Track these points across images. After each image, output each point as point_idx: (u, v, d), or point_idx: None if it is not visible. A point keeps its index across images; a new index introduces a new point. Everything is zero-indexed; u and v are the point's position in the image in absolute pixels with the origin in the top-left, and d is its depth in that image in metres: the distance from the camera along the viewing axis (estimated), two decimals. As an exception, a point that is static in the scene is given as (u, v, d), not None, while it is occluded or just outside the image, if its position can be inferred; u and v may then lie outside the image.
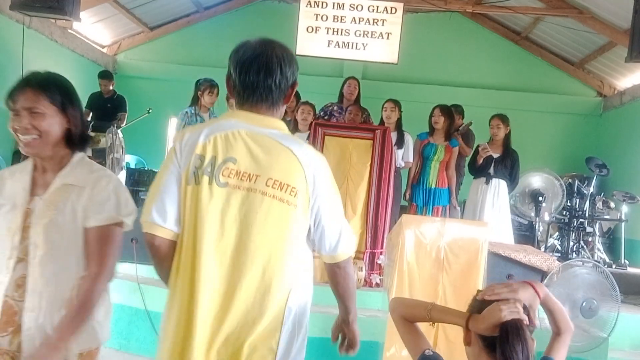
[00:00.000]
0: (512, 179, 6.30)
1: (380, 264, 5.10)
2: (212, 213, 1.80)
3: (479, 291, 1.77)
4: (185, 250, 1.84)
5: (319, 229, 1.90)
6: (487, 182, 6.20)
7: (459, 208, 6.59)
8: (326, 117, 6.56)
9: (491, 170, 6.21)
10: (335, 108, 6.59)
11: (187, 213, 1.84)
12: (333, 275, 2.04)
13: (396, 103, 6.17)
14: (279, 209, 1.82)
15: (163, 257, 1.89)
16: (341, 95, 6.72)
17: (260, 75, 1.87)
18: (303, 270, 1.94)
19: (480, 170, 6.25)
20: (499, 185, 6.23)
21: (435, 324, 3.67)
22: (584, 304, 3.91)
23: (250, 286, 1.81)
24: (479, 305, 1.71)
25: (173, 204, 1.86)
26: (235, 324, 1.81)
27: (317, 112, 6.73)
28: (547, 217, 7.37)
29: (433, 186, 6.16)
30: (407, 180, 6.35)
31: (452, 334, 3.58)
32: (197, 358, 1.77)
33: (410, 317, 1.90)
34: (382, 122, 6.22)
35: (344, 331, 2.28)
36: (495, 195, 6.19)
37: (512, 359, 1.57)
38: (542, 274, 4.82)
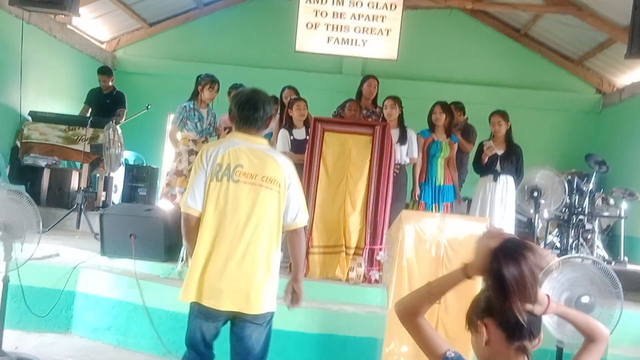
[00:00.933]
0: (518, 173, 6.29)
1: (379, 260, 5.09)
2: (231, 199, 2.91)
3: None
4: (209, 221, 2.92)
5: (287, 206, 3.01)
6: (495, 180, 6.18)
7: (463, 203, 6.59)
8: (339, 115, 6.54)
9: (498, 168, 6.19)
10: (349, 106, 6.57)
11: (211, 200, 2.92)
12: (291, 239, 3.11)
13: (396, 99, 6.14)
14: (270, 195, 2.96)
15: (192, 227, 2.97)
16: (360, 94, 6.69)
17: (251, 111, 3.03)
18: (280, 233, 3.03)
19: (486, 168, 6.24)
20: (507, 182, 6.22)
21: (436, 320, 3.67)
22: (582, 300, 3.89)
23: (256, 240, 2.91)
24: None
25: (200, 195, 2.94)
26: (239, 259, 2.89)
27: (336, 109, 6.70)
28: (546, 214, 7.36)
29: (441, 183, 6.16)
30: (412, 178, 6.30)
31: (452, 330, 3.57)
32: (215, 277, 2.87)
33: (418, 307, 1.87)
34: (383, 119, 6.20)
35: (292, 287, 3.11)
36: (504, 192, 6.18)
37: (512, 278, 1.56)
38: (542, 271, 4.82)
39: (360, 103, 6.56)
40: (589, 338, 1.82)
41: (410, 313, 1.87)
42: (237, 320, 2.95)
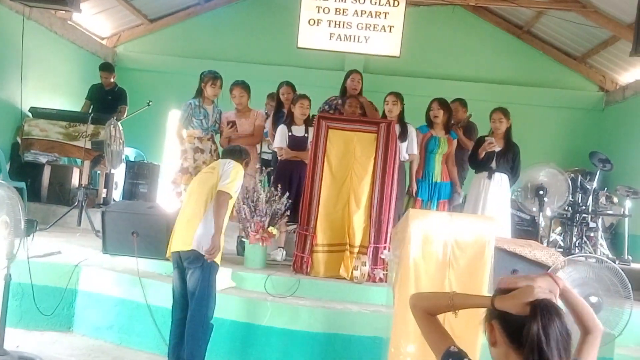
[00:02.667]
0: (514, 172, 6.24)
1: (384, 259, 5.05)
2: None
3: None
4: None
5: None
6: (490, 177, 6.13)
7: (461, 200, 6.53)
8: (331, 111, 6.50)
9: (493, 165, 6.14)
10: (339, 102, 6.54)
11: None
12: (216, 198, 4.04)
13: (398, 96, 6.09)
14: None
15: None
16: (344, 89, 6.65)
17: None
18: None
19: (482, 164, 6.19)
20: (501, 180, 6.17)
21: (443, 318, 3.63)
22: (591, 300, 3.86)
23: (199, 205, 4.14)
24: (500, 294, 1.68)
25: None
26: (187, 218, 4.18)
27: (321, 105, 6.67)
28: (549, 212, 7.33)
29: (437, 180, 6.11)
30: (409, 174, 6.27)
31: (458, 328, 3.51)
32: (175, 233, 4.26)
33: (433, 309, 1.87)
34: (384, 116, 6.16)
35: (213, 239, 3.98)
36: (498, 189, 6.14)
37: (544, 341, 1.53)
38: (547, 270, 4.79)
39: (360, 99, 6.50)
40: (587, 330, 1.78)
41: (424, 311, 1.89)
42: (183, 265, 4.09)
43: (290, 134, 5.89)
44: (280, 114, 6.35)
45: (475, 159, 6.21)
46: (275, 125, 6.16)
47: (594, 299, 4.04)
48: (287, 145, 5.87)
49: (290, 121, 5.97)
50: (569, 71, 10.77)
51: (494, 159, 6.13)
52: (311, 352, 4.46)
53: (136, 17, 10.68)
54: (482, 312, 1.76)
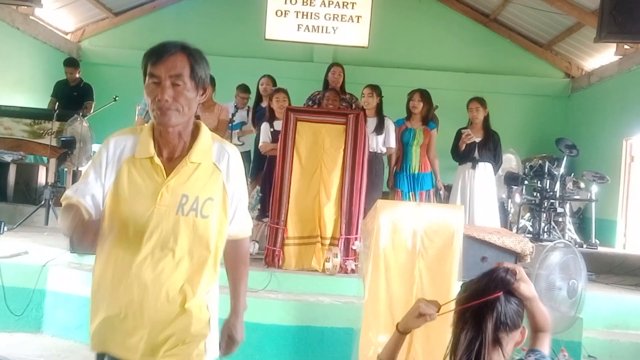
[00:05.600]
0: (496, 160, 6.30)
1: (355, 250, 5.06)
2: None
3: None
4: None
5: None
6: (474, 167, 6.17)
7: (443, 191, 6.58)
8: (315, 106, 6.48)
9: (476, 155, 6.18)
10: (322, 96, 6.51)
11: None
12: None
13: (374, 88, 6.06)
14: None
15: None
16: (326, 83, 6.63)
17: None
18: None
19: (464, 156, 6.23)
20: (485, 169, 6.22)
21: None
22: (557, 284, 3.93)
23: None
24: None
25: None
26: None
27: (305, 101, 6.64)
28: (518, 199, 7.44)
29: (417, 171, 6.11)
30: (388, 167, 6.28)
31: (432, 334, 3.55)
32: None
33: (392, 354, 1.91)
34: (354, 107, 6.16)
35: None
36: (484, 179, 6.19)
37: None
38: (516, 256, 4.86)
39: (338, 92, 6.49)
40: (541, 328, 1.79)
41: None
42: None
43: (272, 129, 5.86)
44: (259, 107, 6.32)
45: (457, 151, 6.26)
46: (254, 120, 6.13)
47: (563, 285, 4.10)
48: (270, 141, 5.84)
49: (271, 116, 5.95)
50: (535, 58, 10.90)
51: (476, 149, 6.18)
52: (284, 346, 4.46)
53: (100, 11, 10.51)
54: None
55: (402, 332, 1.84)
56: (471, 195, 6.11)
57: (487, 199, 6.15)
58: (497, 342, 1.59)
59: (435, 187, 6.21)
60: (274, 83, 6.48)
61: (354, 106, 6.47)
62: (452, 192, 6.40)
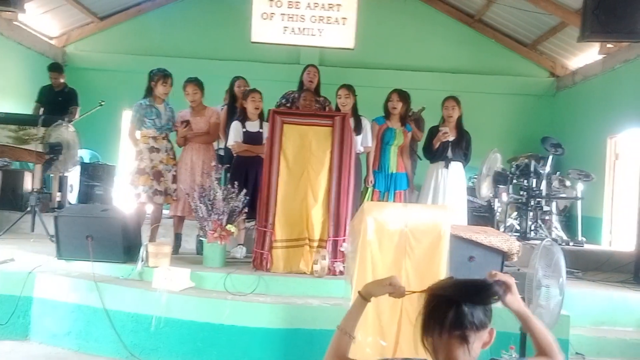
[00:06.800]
0: (467, 160, 6.35)
1: (343, 252, 5.06)
2: None
3: None
4: None
5: None
6: (447, 166, 6.20)
7: (417, 192, 6.59)
8: (288, 105, 6.47)
9: (449, 154, 6.21)
10: (296, 95, 6.51)
11: None
12: None
13: (350, 89, 6.08)
14: None
15: None
16: (301, 83, 6.62)
17: None
18: None
19: (437, 154, 6.25)
20: (457, 168, 6.26)
21: (400, 311, 3.67)
22: (542, 281, 3.94)
23: None
24: None
25: None
26: None
27: (279, 99, 6.64)
28: (504, 198, 7.48)
29: (394, 171, 6.14)
30: (366, 166, 6.30)
31: (414, 317, 3.56)
32: None
33: (342, 353, 1.92)
34: (337, 109, 6.16)
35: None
36: (455, 178, 6.21)
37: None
38: (503, 255, 4.88)
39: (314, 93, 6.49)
40: (543, 352, 1.80)
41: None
42: None
43: (244, 130, 5.85)
44: (233, 109, 6.29)
45: (430, 149, 6.28)
46: (229, 121, 6.09)
47: (547, 282, 4.12)
48: (242, 142, 5.83)
49: (243, 117, 5.92)
50: (520, 58, 10.97)
51: (449, 148, 6.21)
52: (273, 349, 4.45)
53: (85, 16, 10.45)
54: None
55: (364, 296, 1.90)
56: (443, 195, 6.12)
57: (458, 198, 6.17)
58: (463, 339, 1.60)
59: (409, 187, 6.24)
60: (247, 84, 6.48)
61: (327, 109, 6.47)
62: (423, 191, 6.37)
